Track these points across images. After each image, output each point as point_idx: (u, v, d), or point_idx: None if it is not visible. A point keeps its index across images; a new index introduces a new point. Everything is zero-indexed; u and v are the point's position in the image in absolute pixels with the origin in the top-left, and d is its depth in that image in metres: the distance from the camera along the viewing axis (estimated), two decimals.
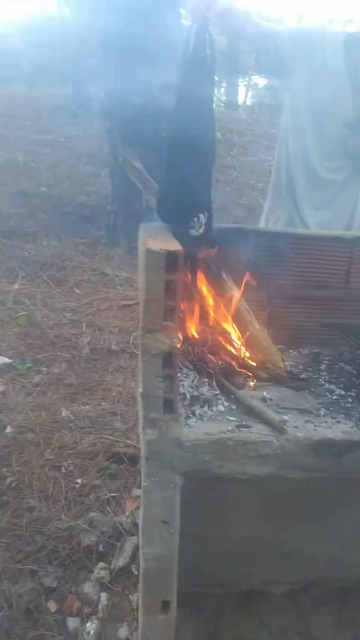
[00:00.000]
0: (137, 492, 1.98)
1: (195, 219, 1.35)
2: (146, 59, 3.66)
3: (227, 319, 1.53)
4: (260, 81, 10.18)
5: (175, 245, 1.15)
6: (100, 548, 1.78)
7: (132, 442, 2.26)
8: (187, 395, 1.33)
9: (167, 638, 1.40)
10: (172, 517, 1.25)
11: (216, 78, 1.47)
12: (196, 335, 1.50)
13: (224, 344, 1.50)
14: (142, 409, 1.22)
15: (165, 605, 1.34)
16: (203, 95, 1.38)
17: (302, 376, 1.51)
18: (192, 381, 1.40)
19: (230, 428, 1.22)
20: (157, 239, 1.24)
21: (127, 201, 4.66)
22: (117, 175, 4.86)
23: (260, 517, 1.57)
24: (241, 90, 11.17)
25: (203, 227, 1.36)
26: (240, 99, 11.02)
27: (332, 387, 1.46)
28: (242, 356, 1.49)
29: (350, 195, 2.10)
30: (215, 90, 2.18)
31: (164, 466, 1.21)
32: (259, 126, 7.37)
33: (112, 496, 1.98)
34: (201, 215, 1.36)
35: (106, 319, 3.60)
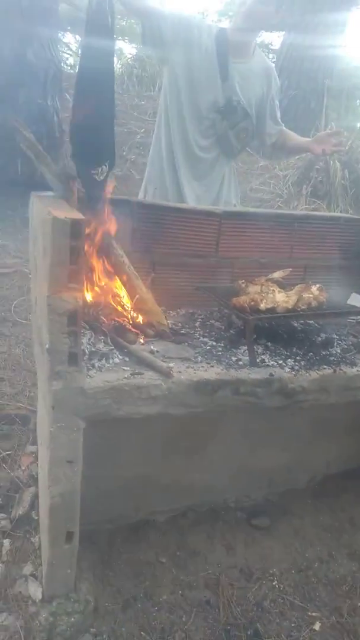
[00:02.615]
0: (31, 448, 2.10)
1: (99, 168, 1.58)
2: (20, 18, 3.53)
3: (118, 283, 1.70)
4: (128, 50, 10.13)
5: (77, 214, 1.29)
6: None
7: (22, 404, 2.35)
8: (86, 351, 1.50)
9: (70, 565, 1.58)
10: (76, 457, 1.43)
11: None
12: (91, 298, 1.66)
13: (116, 305, 1.68)
14: (47, 363, 1.35)
15: (70, 536, 1.52)
16: (105, 59, 1.54)
17: (181, 332, 1.77)
18: (89, 339, 1.56)
19: (125, 376, 1.42)
20: (57, 207, 1.37)
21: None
22: None
23: (144, 457, 1.81)
24: None
25: (105, 174, 1.59)
26: None
27: (206, 339, 1.74)
28: (132, 316, 1.69)
29: (219, 172, 2.39)
30: None
31: (69, 412, 1.37)
32: (129, 97, 7.42)
33: (8, 454, 2.07)
34: (104, 166, 1.61)
35: None
